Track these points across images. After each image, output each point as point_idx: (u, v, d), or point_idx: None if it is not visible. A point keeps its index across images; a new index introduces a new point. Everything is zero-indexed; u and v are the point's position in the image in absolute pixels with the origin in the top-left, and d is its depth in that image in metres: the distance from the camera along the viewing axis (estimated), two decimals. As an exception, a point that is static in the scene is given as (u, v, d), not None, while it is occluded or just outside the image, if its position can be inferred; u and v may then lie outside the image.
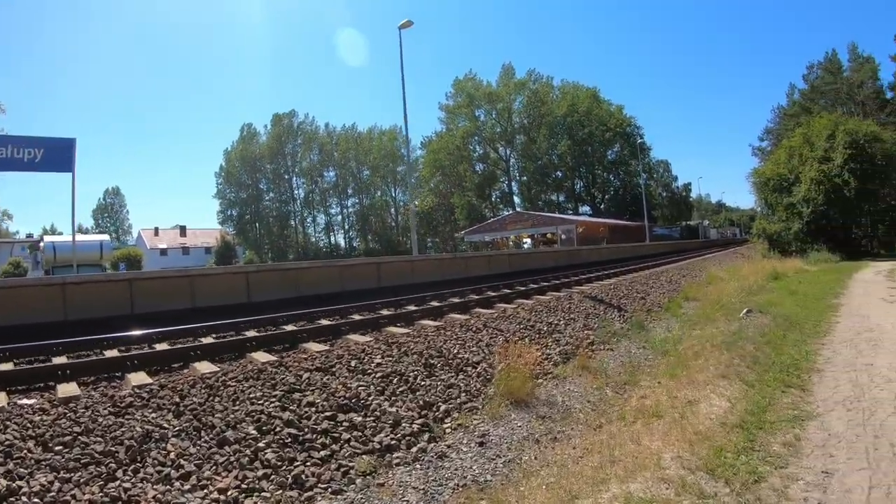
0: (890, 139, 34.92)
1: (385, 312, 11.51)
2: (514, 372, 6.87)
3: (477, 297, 13.86)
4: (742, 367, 7.36)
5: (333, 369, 6.74)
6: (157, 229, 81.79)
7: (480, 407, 6.49)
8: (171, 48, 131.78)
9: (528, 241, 58.21)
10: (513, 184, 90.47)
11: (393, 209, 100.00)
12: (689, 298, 15.33)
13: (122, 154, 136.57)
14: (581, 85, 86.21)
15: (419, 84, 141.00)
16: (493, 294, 14.40)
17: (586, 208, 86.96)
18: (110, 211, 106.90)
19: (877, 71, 57.07)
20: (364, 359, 7.22)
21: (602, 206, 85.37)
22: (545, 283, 16.97)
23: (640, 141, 78.40)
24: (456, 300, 13.12)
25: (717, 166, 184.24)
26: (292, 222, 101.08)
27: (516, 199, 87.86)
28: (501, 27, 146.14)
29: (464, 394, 6.79)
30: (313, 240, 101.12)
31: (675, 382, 7.14)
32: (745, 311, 11.24)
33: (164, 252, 74.67)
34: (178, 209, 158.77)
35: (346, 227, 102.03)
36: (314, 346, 8.00)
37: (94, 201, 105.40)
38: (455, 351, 8.16)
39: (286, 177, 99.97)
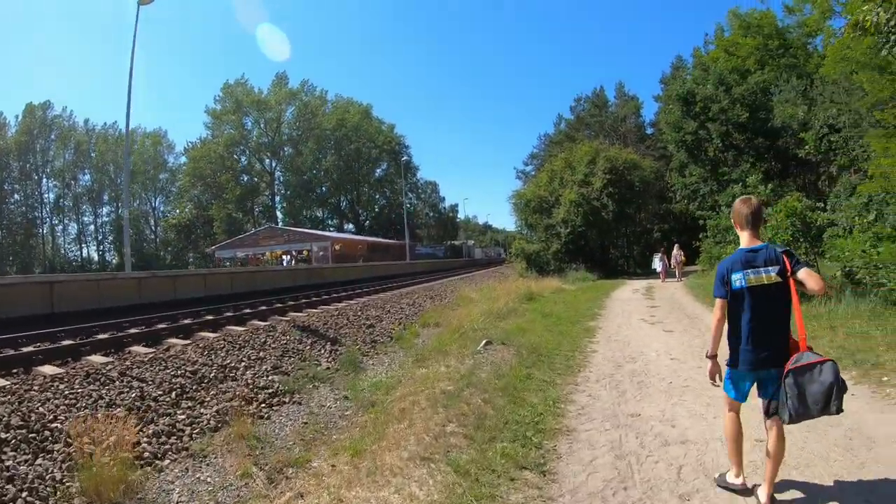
0: (648, 167, 38.75)
1: (26, 350, 9.47)
2: (122, 451, 4.88)
3: (166, 326, 12.10)
4: (458, 437, 5.06)
5: None
6: None
7: (45, 518, 4.32)
8: None
9: (287, 257, 55.47)
10: (276, 198, 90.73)
11: (152, 220, 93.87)
12: (429, 324, 13.60)
13: None
14: (354, 100, 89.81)
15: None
16: (189, 322, 12.60)
17: (351, 226, 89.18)
18: None
19: (640, 108, 66.49)
20: None
21: (367, 224, 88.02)
22: (264, 308, 15.48)
23: (405, 159, 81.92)
24: (134, 332, 11.28)
25: (485, 189, 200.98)
26: (40, 230, 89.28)
27: (279, 214, 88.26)
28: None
29: (25, 494, 4.54)
30: (63, 251, 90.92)
31: (353, 468, 4.72)
32: (483, 342, 9.28)
33: None
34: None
35: (100, 238, 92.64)
36: None
37: None
38: (51, 417, 6.00)
39: (35, 177, 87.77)
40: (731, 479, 3.86)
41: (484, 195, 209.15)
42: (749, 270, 3.51)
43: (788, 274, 3.44)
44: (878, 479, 3.92)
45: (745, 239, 3.71)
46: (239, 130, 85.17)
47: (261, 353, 9.66)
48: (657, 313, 14.04)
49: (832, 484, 3.87)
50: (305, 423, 6.71)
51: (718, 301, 3.70)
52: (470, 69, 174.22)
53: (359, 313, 14.68)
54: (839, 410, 3.25)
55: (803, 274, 3.42)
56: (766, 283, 3.47)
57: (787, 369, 3.36)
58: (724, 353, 3.76)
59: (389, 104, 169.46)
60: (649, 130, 62.31)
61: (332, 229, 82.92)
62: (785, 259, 3.48)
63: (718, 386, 3.87)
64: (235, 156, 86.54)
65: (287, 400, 7.63)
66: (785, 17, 35.77)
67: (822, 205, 18.25)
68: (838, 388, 3.20)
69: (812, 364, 3.31)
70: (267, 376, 8.51)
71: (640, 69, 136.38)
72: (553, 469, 4.38)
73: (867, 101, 20.28)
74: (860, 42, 15.45)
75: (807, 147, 26.84)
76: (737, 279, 3.54)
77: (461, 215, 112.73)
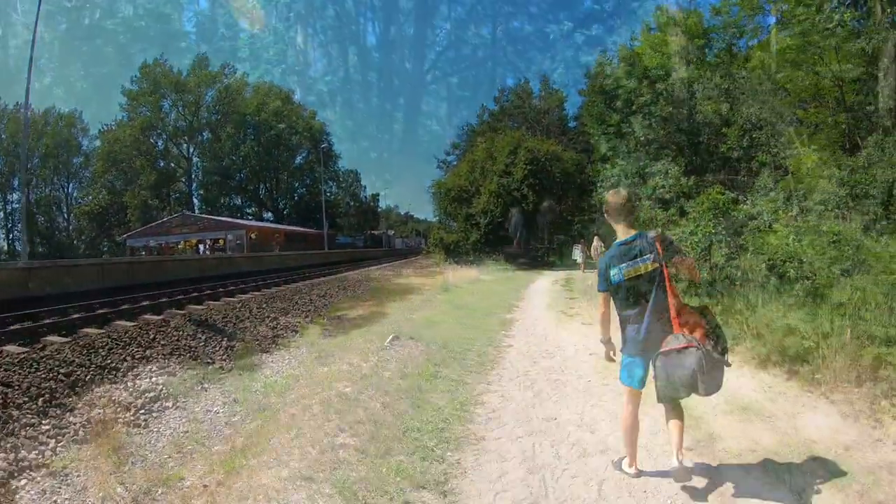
0: (570, 159, 39.03)
1: None
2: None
3: (49, 321, 11.09)
4: (349, 451, 4.43)
5: None
6: None
7: None
8: None
9: (202, 246, 53.60)
10: (193, 184, 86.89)
11: (65, 207, 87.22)
12: (338, 318, 12.84)
13: None
14: (276, 85, 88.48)
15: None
16: (77, 317, 11.67)
17: (269, 214, 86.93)
18: None
19: (563, 101, 66.44)
20: None
21: (286, 213, 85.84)
22: (164, 300, 14.65)
23: (325, 146, 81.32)
24: (14, 328, 10.47)
25: (407, 179, 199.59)
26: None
27: (196, 202, 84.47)
28: None
29: None
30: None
31: (226, 489, 4.06)
32: (390, 337, 8.66)
33: None
34: None
35: (9, 225, 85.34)
36: None
37: None
38: None
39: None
40: (626, 467, 3.99)
41: (407, 186, 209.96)
42: (625, 264, 3.65)
43: (660, 258, 3.57)
44: (820, 489, 3.71)
45: (620, 231, 3.81)
46: (156, 113, 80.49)
47: (148, 351, 8.83)
48: (576, 305, 13.78)
49: (770, 494, 3.64)
50: (186, 431, 5.96)
51: (601, 295, 3.90)
52: (395, 61, 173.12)
53: (264, 306, 13.85)
54: (709, 393, 3.43)
55: (675, 260, 3.63)
56: (642, 272, 3.61)
57: (658, 352, 3.50)
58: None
59: (309, 93, 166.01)
60: (572, 124, 63.18)
61: (250, 217, 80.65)
62: (657, 245, 3.60)
63: (615, 361, 4.07)
64: (151, 139, 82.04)
65: (170, 405, 6.85)
66: (711, 18, 36.67)
67: (745, 198, 18.57)
68: (702, 374, 3.32)
69: (679, 349, 3.43)
70: (150, 378, 7.71)
71: (567, 66, 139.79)
72: (455, 488, 3.83)
73: (790, 100, 20.84)
74: (786, 41, 15.68)
75: (728, 142, 27.51)
76: (614, 274, 3.68)
77: (382, 205, 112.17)
